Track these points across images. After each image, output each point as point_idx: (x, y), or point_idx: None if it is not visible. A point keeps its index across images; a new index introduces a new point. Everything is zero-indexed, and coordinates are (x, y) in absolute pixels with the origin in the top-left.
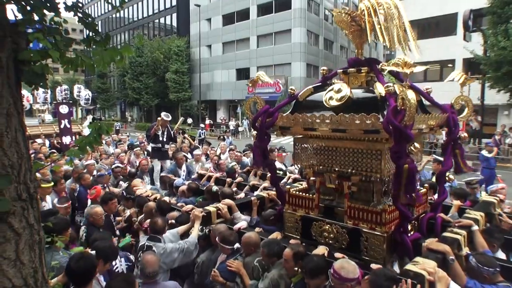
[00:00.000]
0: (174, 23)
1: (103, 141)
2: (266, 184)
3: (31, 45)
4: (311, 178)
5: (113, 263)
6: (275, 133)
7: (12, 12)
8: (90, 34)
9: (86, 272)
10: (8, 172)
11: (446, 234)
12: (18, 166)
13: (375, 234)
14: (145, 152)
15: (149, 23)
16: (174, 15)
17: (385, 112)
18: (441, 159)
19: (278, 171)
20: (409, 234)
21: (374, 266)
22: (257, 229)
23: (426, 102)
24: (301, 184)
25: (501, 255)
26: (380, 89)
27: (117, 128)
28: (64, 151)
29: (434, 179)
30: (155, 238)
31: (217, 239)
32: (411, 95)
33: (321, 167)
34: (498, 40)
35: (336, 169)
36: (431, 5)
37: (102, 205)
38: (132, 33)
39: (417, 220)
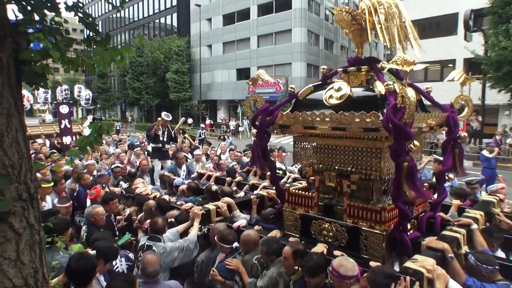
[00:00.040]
0: (175, 23)
1: (104, 141)
2: (266, 183)
3: (31, 45)
4: (311, 177)
5: (114, 263)
6: (275, 131)
7: (12, 12)
8: (91, 34)
9: (86, 272)
10: (9, 172)
11: (445, 232)
12: (18, 166)
13: (375, 233)
14: (146, 152)
15: (149, 23)
16: (175, 15)
17: (384, 111)
18: (442, 159)
19: (278, 171)
20: (408, 233)
21: (373, 264)
22: (256, 227)
23: (426, 102)
24: (301, 184)
25: (500, 254)
26: (380, 87)
27: (118, 128)
28: (65, 151)
29: (434, 179)
30: (155, 238)
31: (215, 238)
32: (410, 93)
33: (320, 165)
34: (499, 40)
35: (336, 167)
36: (431, 5)
37: (103, 205)
38: (133, 33)
39: (416, 219)
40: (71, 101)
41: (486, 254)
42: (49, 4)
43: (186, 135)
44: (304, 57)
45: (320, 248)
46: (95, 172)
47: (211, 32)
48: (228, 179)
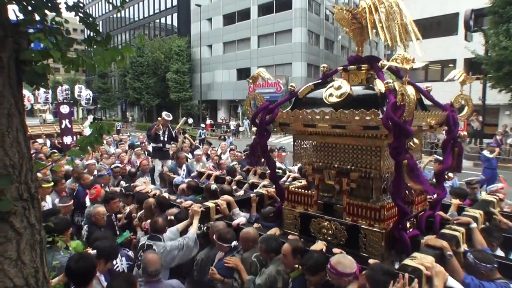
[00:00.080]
0: (175, 23)
1: (104, 141)
2: (266, 182)
3: (32, 45)
4: (310, 175)
5: (114, 262)
6: (275, 129)
7: (13, 12)
8: (91, 34)
9: (86, 272)
10: (10, 172)
11: (444, 230)
12: (19, 166)
13: (374, 231)
14: (146, 152)
15: (150, 23)
16: (175, 15)
17: (384, 109)
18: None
19: (277, 170)
20: (407, 231)
21: (371, 261)
22: (255, 225)
23: (427, 102)
24: (301, 182)
25: (500, 254)
26: (380, 86)
27: (118, 128)
28: (65, 151)
29: (435, 180)
30: (155, 237)
31: (214, 237)
32: (410, 90)
33: (320, 163)
34: (500, 40)
35: (336, 165)
36: (431, 5)
37: (104, 205)
38: (133, 33)
39: (416, 218)
40: (72, 101)
41: (484, 252)
42: (49, 4)
43: (187, 135)
44: (305, 57)
45: (319, 245)
46: (95, 172)
47: (211, 32)
48: (228, 178)
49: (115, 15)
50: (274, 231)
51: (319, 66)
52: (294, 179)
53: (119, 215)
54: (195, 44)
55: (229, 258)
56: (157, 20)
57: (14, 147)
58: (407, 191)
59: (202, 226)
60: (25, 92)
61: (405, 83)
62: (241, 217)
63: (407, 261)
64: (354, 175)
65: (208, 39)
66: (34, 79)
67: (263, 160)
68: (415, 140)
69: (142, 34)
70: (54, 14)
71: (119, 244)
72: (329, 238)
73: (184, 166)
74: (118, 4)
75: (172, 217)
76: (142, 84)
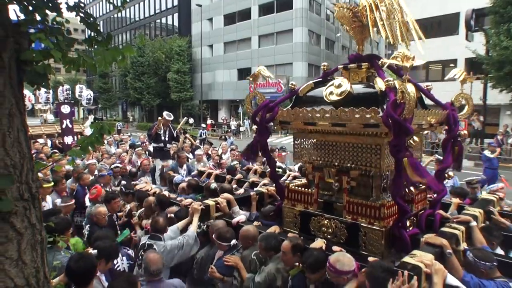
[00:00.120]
0: (176, 23)
1: (105, 141)
2: (266, 181)
3: (33, 45)
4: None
5: (115, 261)
6: (275, 128)
7: (14, 12)
8: (92, 34)
9: (86, 272)
10: (10, 172)
11: (444, 229)
12: (20, 166)
13: (374, 229)
14: (147, 152)
15: (150, 23)
16: (176, 15)
17: (384, 107)
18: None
19: (277, 169)
20: (407, 230)
21: (371, 258)
22: (255, 223)
23: (428, 102)
24: (301, 181)
25: (500, 252)
26: (380, 84)
27: (119, 128)
28: (66, 151)
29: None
30: (156, 237)
31: (213, 236)
32: (410, 88)
33: (320, 161)
34: (501, 40)
35: (336, 163)
36: (431, 4)
37: (105, 204)
38: (134, 33)
39: (416, 217)
40: (73, 101)
41: (484, 250)
42: (50, 4)
43: (188, 135)
44: (305, 57)
45: (319, 243)
46: (96, 172)
47: (212, 32)
48: (228, 176)
49: (116, 15)
50: (274, 229)
51: (319, 66)
52: (294, 178)
53: (119, 213)
54: (196, 44)
55: (228, 257)
56: (158, 20)
57: (15, 147)
58: (407, 190)
59: (202, 224)
60: (26, 92)
61: (406, 81)
62: (241, 215)
63: (406, 259)
64: (354, 173)
65: (209, 39)
66: (35, 79)
67: (259, 156)
68: (415, 138)
69: (143, 34)
70: (55, 14)
71: (119, 243)
72: (329, 236)
73: (185, 166)
74: (119, 4)
75: (172, 215)
76: (143, 84)
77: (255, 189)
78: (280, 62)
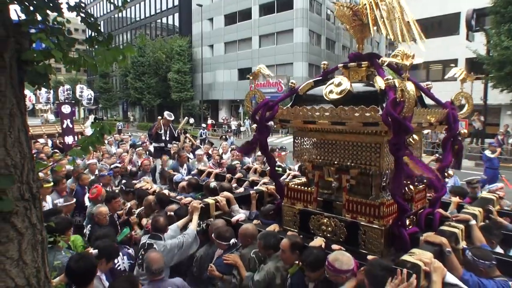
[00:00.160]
0: (176, 23)
1: (106, 141)
2: (266, 179)
3: (34, 45)
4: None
5: (115, 261)
6: (275, 126)
7: (15, 12)
8: (93, 34)
9: (86, 272)
10: (11, 172)
11: (443, 227)
12: (21, 166)
13: (373, 228)
14: (147, 152)
15: (151, 23)
16: (176, 15)
17: (384, 105)
18: None
19: (277, 169)
20: (407, 228)
21: (370, 257)
22: (255, 222)
23: (428, 101)
24: (300, 180)
25: (499, 251)
26: (380, 82)
27: (120, 127)
28: (67, 151)
29: None
30: (156, 236)
31: (213, 235)
32: (410, 86)
33: (320, 160)
34: (501, 40)
35: (335, 162)
36: (432, 4)
37: (106, 204)
38: (134, 33)
39: (415, 215)
40: (73, 101)
41: (483, 249)
42: (51, 4)
43: (188, 135)
44: (306, 57)
45: (318, 242)
46: (96, 172)
47: (212, 32)
48: (228, 175)
49: (116, 15)
50: (273, 227)
51: (320, 66)
52: (294, 177)
53: (119, 212)
54: (197, 44)
55: (228, 255)
56: (159, 20)
57: (16, 147)
58: (406, 188)
59: (201, 223)
60: (27, 92)
61: (405, 79)
62: (240, 214)
63: (405, 257)
64: (354, 171)
65: (210, 39)
66: (36, 79)
67: (260, 155)
68: (415, 137)
69: (144, 34)
70: (55, 14)
71: (119, 242)
72: (328, 235)
73: (185, 165)
74: (120, 4)
75: (172, 213)
76: (144, 84)
77: (255, 188)
78: (280, 62)
